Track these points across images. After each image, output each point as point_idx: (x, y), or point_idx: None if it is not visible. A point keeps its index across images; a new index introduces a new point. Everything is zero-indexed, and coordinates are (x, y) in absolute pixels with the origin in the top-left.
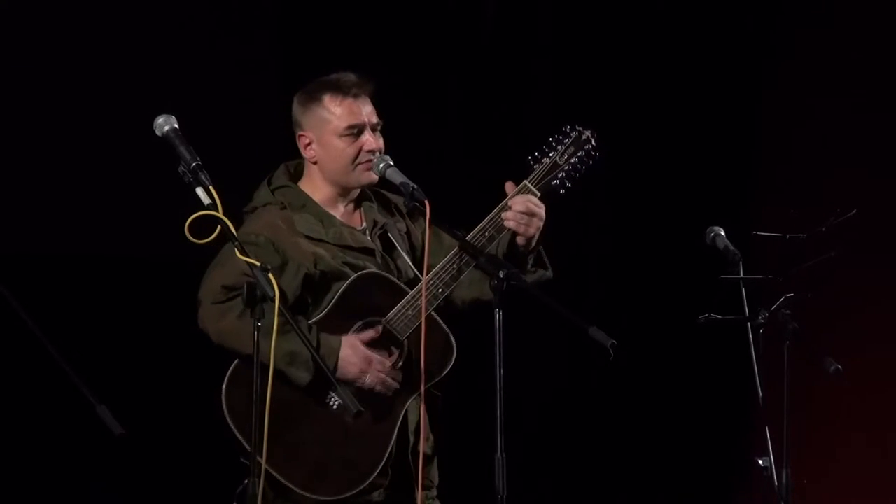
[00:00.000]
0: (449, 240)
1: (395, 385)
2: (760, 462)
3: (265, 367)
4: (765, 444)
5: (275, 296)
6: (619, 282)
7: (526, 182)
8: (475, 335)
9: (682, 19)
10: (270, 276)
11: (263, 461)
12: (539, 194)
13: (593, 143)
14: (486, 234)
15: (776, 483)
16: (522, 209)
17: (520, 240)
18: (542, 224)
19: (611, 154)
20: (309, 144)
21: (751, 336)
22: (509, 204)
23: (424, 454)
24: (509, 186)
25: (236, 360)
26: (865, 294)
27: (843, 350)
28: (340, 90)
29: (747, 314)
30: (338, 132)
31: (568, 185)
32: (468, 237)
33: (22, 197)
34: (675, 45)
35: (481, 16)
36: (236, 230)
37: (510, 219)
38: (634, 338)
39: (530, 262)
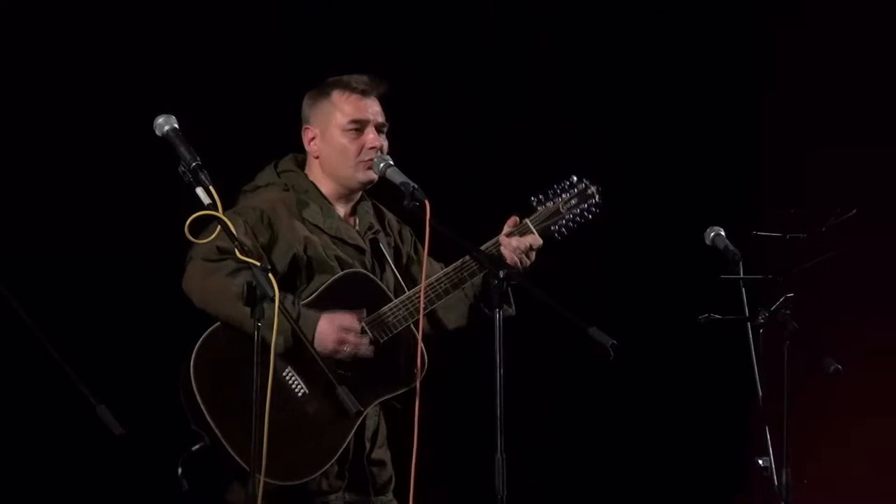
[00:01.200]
0: (429, 268)
1: (370, 352)
2: (760, 462)
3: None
4: (765, 444)
5: (275, 295)
6: (620, 282)
7: (527, 221)
8: (475, 335)
9: (681, 19)
10: (270, 276)
11: (263, 461)
12: (538, 237)
13: (597, 199)
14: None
15: (776, 483)
16: (524, 245)
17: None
18: (529, 265)
19: (610, 154)
20: (313, 139)
21: (751, 336)
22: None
23: (381, 461)
24: (511, 221)
25: (213, 326)
26: (865, 294)
27: (843, 350)
28: (349, 87)
29: (747, 314)
30: (341, 127)
31: (565, 233)
32: (459, 263)
33: (22, 197)
34: (675, 45)
35: (481, 16)
36: (233, 208)
37: (510, 248)
38: (634, 338)
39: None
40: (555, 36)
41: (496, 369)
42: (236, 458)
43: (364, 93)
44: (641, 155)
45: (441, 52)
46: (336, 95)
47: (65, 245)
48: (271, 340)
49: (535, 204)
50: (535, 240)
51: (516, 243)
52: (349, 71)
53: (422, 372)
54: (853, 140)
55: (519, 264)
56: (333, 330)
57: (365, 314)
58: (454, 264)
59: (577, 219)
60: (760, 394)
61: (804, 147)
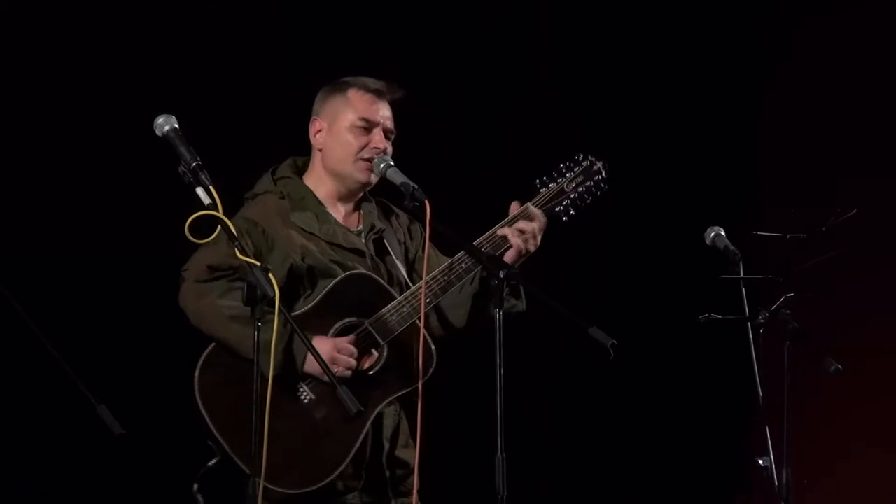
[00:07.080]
0: (437, 263)
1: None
2: (760, 462)
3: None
4: (765, 444)
5: (275, 295)
6: (620, 281)
7: (529, 205)
8: (475, 334)
9: (682, 19)
10: (271, 275)
11: (263, 462)
12: (544, 218)
13: (603, 174)
14: (483, 249)
15: (776, 483)
16: (528, 228)
17: (510, 254)
18: (535, 249)
19: (610, 154)
20: (319, 131)
21: (751, 336)
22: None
23: (402, 460)
24: (514, 206)
25: (213, 343)
26: (865, 294)
27: (843, 350)
28: (367, 87)
29: (747, 314)
30: (350, 123)
31: (571, 213)
32: (456, 256)
33: (22, 197)
34: (676, 45)
35: (482, 14)
36: (234, 215)
37: (509, 233)
38: (634, 338)
39: (506, 290)
40: (555, 35)
41: (496, 369)
42: (246, 469)
43: (380, 94)
44: (642, 155)
45: (441, 51)
46: (351, 92)
47: (65, 245)
48: (270, 352)
49: (538, 186)
50: (540, 224)
51: (522, 226)
52: (349, 70)
53: (430, 368)
54: (853, 140)
55: (523, 248)
56: (324, 355)
57: (354, 338)
58: (453, 258)
59: (585, 196)
60: (760, 394)
61: (804, 147)
